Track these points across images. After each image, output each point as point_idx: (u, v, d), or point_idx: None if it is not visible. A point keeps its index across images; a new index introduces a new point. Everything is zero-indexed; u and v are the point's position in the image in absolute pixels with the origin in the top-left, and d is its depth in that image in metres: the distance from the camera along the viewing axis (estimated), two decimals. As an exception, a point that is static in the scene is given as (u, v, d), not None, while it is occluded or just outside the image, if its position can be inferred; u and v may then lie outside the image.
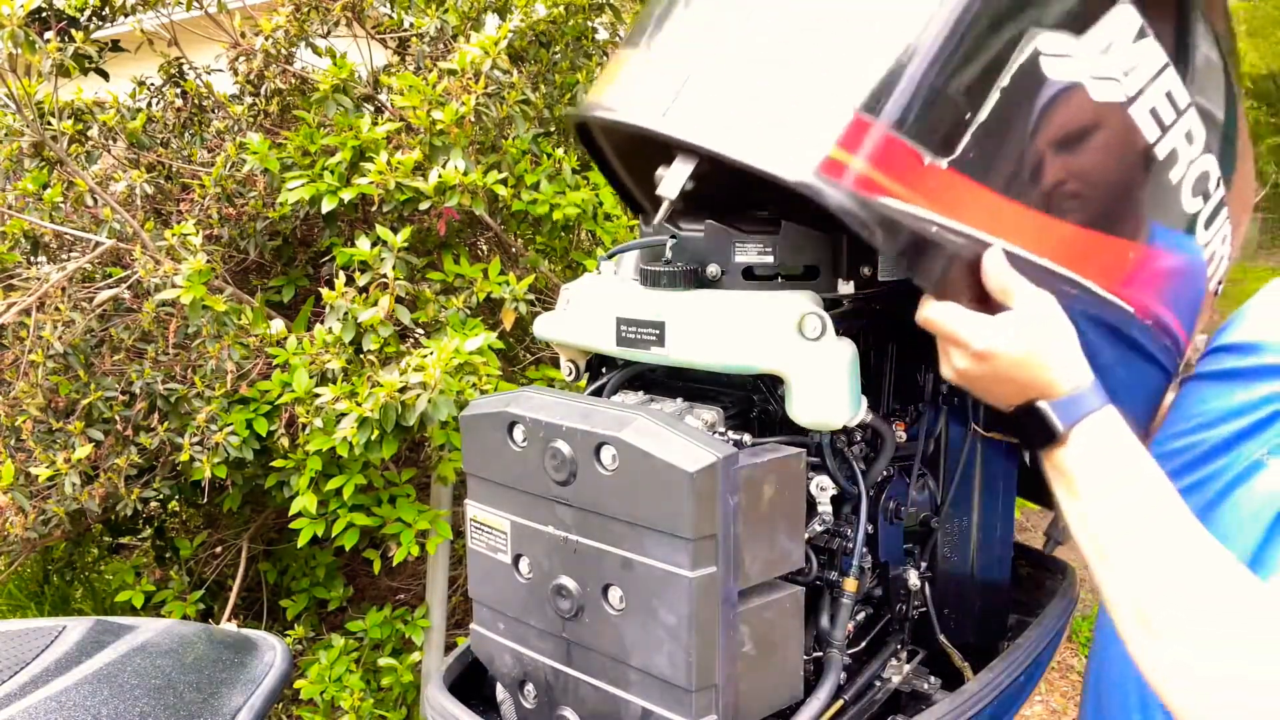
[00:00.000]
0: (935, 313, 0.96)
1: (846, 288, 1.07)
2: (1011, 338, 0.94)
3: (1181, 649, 0.88)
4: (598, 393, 1.17)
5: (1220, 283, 1.27)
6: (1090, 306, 1.06)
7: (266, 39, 2.36)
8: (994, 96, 0.93)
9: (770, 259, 1.06)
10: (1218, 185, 1.16)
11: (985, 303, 0.97)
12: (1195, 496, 1.13)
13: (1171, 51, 1.05)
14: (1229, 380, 1.17)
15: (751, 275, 1.06)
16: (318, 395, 2.03)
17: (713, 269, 1.07)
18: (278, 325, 2.21)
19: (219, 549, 2.99)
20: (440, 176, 2.10)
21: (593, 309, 1.13)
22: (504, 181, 2.19)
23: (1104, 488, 0.94)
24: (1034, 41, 0.94)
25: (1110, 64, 1.00)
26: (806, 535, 1.03)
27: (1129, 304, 1.10)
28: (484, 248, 2.82)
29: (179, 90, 2.76)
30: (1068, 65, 0.97)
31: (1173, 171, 1.09)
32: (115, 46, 2.74)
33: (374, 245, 2.12)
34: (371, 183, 2.13)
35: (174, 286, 2.05)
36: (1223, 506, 1.07)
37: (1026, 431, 0.98)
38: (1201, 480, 1.13)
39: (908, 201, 0.91)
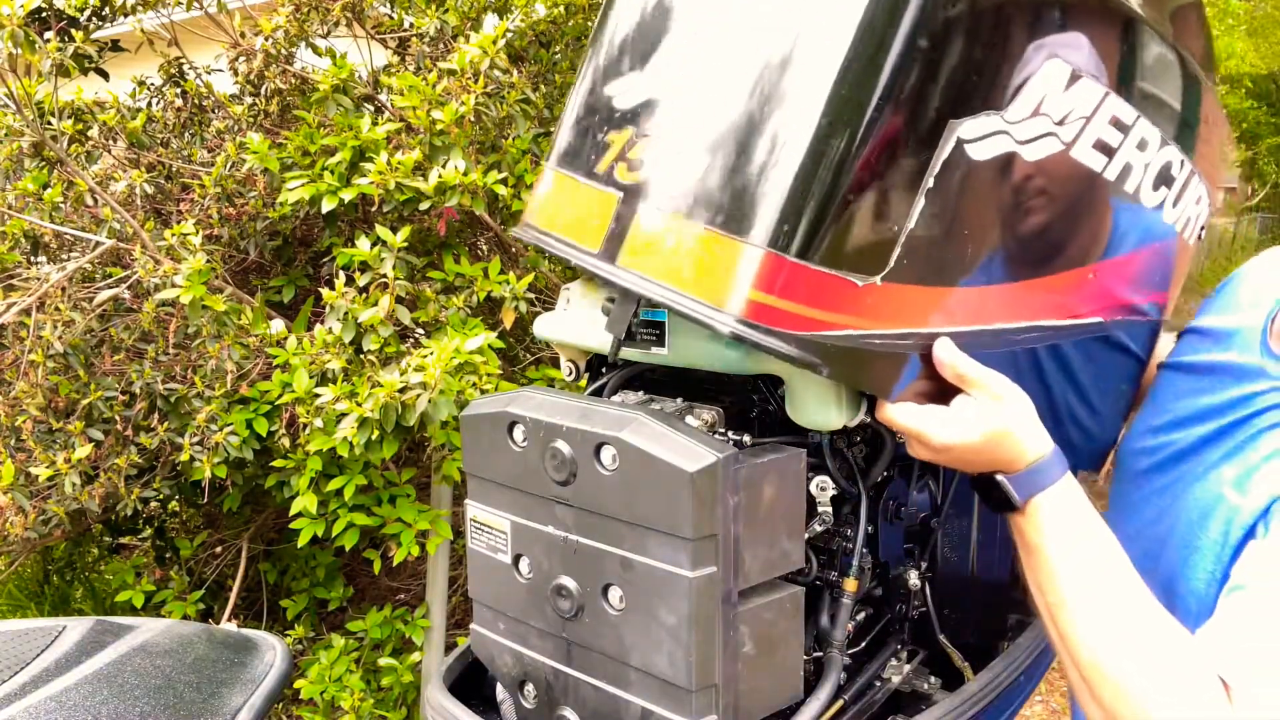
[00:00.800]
0: (893, 414, 0.98)
1: None
2: (968, 427, 0.97)
3: (1120, 706, 0.93)
4: (598, 393, 1.17)
5: (1202, 229, 1.27)
6: (1055, 338, 1.08)
7: (266, 39, 2.36)
8: (920, 203, 0.92)
9: None
10: (1182, 165, 1.15)
11: (939, 382, 0.98)
12: (1165, 498, 1.17)
13: (1111, 79, 1.02)
14: (1200, 376, 1.19)
15: None
16: (318, 395, 2.03)
17: None
18: (278, 325, 2.21)
19: (219, 549, 2.99)
20: (440, 176, 2.10)
21: (593, 309, 1.13)
22: (504, 181, 2.19)
23: (1054, 555, 0.99)
24: (955, 133, 0.92)
25: (1042, 122, 0.97)
26: (806, 535, 1.03)
27: (1095, 316, 1.12)
28: (484, 247, 2.82)
29: (179, 90, 2.76)
30: (995, 142, 0.94)
31: (1128, 183, 1.09)
32: (115, 46, 2.74)
33: (374, 245, 2.12)
34: (371, 183, 2.13)
35: (174, 286, 2.05)
36: (1188, 525, 1.11)
37: (987, 497, 1.01)
38: (1171, 483, 1.17)
39: (847, 328, 0.91)
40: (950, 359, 0.97)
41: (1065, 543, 0.99)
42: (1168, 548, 1.13)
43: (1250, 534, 1.02)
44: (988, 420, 0.97)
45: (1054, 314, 1.07)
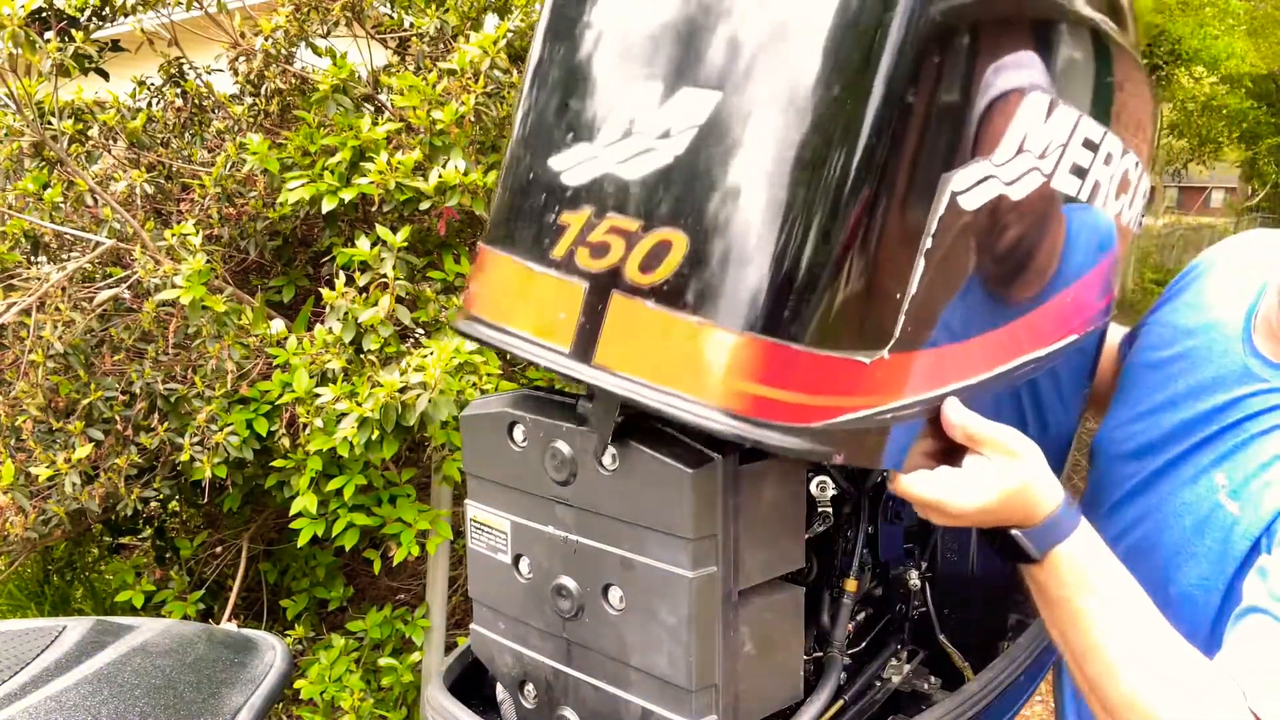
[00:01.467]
0: (908, 486, 0.95)
1: None
2: (984, 489, 0.94)
3: None
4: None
5: (1142, 217, 1.25)
6: (1043, 365, 1.06)
7: (266, 39, 2.36)
8: (920, 264, 0.86)
9: None
10: (1136, 167, 1.13)
11: (947, 441, 0.95)
12: (1150, 499, 1.17)
13: (1082, 99, 0.98)
14: (1174, 378, 1.18)
15: None
16: (318, 395, 2.03)
17: None
18: (278, 325, 2.21)
19: (219, 549, 2.99)
20: (440, 176, 2.10)
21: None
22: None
23: (1079, 604, 0.96)
24: (948, 186, 0.86)
25: (1026, 159, 0.92)
26: (806, 535, 1.03)
27: (1072, 334, 1.10)
28: (484, 248, 2.82)
29: (179, 90, 2.75)
30: (985, 188, 0.89)
31: (1098, 199, 1.06)
32: (115, 46, 2.74)
33: (374, 245, 2.12)
34: (371, 183, 2.13)
35: (174, 286, 2.05)
36: (1180, 532, 1.11)
37: (1002, 551, 0.99)
38: (1157, 485, 1.17)
39: (858, 409, 0.86)
40: (961, 421, 0.94)
41: (1088, 591, 0.96)
42: (1157, 551, 1.13)
43: (1255, 547, 1.01)
44: (1003, 479, 0.94)
45: (1041, 343, 1.05)
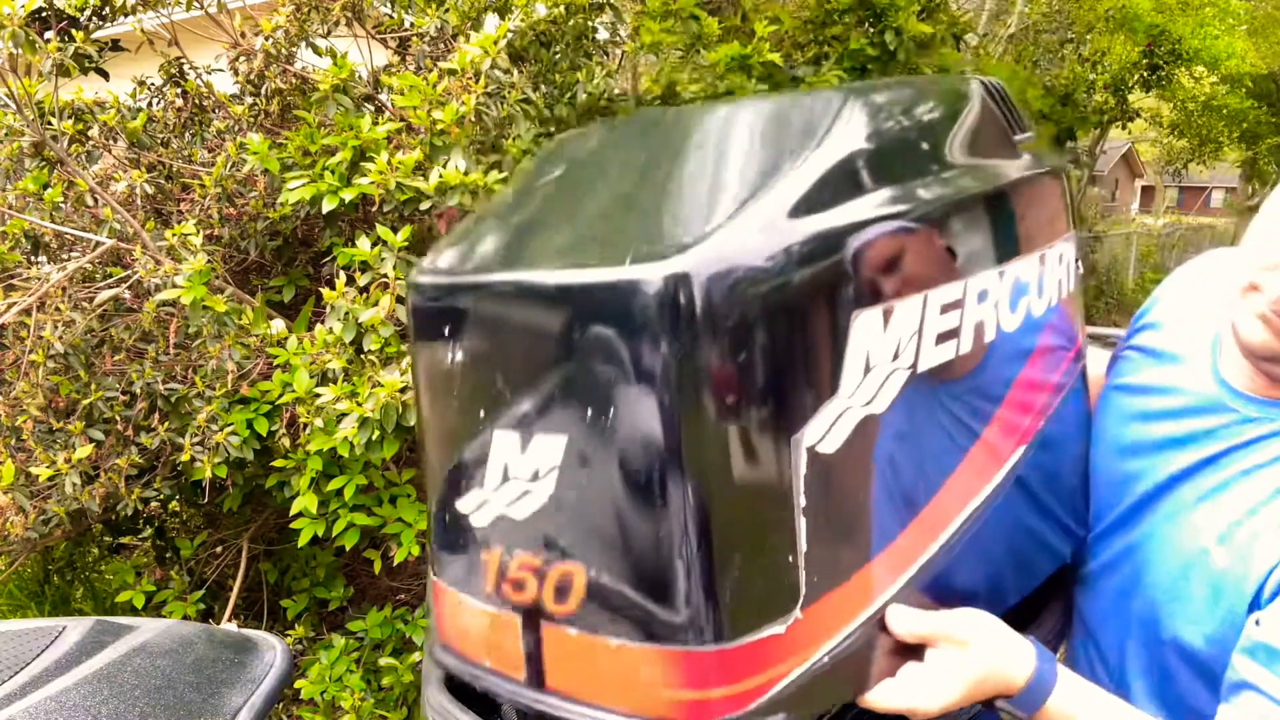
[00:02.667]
0: (874, 701, 0.95)
1: None
2: (950, 686, 0.94)
3: None
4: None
5: (1078, 260, 1.21)
6: (1006, 487, 1.04)
7: (266, 39, 2.36)
8: (802, 523, 0.85)
9: None
10: (1030, 263, 1.07)
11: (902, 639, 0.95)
12: (1132, 533, 1.15)
13: (924, 280, 0.93)
14: (1148, 406, 1.18)
15: None
16: (318, 395, 2.03)
17: None
18: (278, 325, 2.21)
19: (219, 549, 2.99)
20: (441, 176, 2.10)
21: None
22: (504, 181, 2.19)
23: None
24: (801, 445, 0.84)
25: (878, 373, 0.89)
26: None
27: (1019, 447, 1.07)
28: (484, 248, 2.81)
29: (179, 90, 2.76)
30: (844, 421, 0.87)
31: (988, 332, 1.00)
32: (115, 46, 2.74)
33: (374, 245, 2.12)
34: (372, 183, 2.13)
35: (174, 287, 2.05)
36: (1168, 574, 1.10)
37: (997, 717, 1.00)
38: (1140, 520, 1.15)
39: (791, 671, 0.86)
40: (906, 627, 0.94)
41: None
42: (1148, 591, 1.12)
43: (1250, 606, 1.00)
44: (964, 670, 0.95)
45: (989, 476, 1.03)
